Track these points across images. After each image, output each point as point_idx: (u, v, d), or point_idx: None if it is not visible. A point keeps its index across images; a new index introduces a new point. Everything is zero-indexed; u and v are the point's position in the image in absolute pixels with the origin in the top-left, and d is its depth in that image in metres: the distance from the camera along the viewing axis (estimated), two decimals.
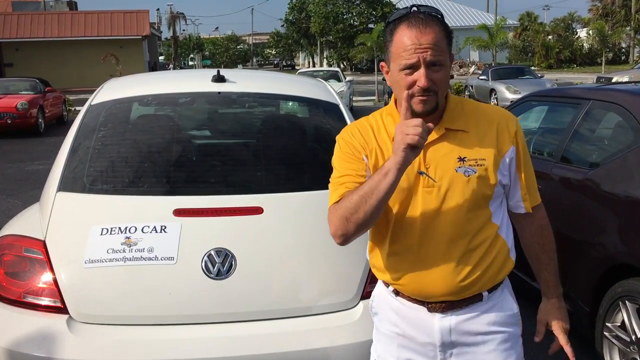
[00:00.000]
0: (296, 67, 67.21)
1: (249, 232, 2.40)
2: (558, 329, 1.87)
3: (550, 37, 47.16)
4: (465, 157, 1.70)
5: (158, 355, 2.19)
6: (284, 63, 72.10)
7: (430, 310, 1.75)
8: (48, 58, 34.79)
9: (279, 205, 2.49)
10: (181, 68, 56.98)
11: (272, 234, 2.42)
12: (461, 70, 41.08)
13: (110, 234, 2.37)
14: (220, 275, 2.30)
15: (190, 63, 75.20)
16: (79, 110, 3.11)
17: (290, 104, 3.29)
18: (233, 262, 2.32)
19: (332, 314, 2.34)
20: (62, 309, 2.28)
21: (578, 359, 3.98)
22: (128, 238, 2.36)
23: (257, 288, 2.32)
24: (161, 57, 64.65)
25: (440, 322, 1.75)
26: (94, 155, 2.74)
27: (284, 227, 2.44)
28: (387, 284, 1.83)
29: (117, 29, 36.34)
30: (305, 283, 2.35)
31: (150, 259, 2.31)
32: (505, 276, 1.81)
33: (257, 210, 2.44)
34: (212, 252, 2.33)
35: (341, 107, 3.13)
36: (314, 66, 55.38)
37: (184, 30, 70.16)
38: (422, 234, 1.71)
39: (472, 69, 32.00)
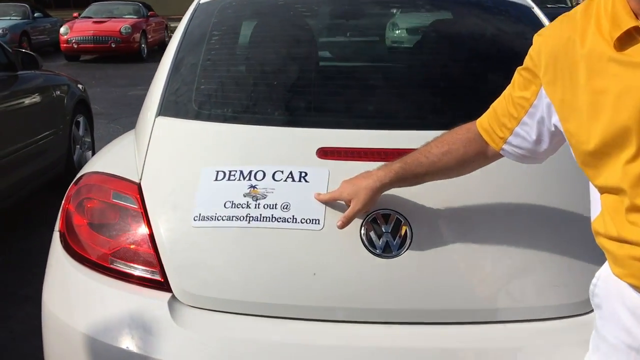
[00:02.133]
0: None
1: (431, 189, 1.60)
2: None
3: None
4: None
5: None
6: None
7: None
8: None
9: None
10: None
11: (462, 192, 1.60)
12: None
13: (229, 179, 1.65)
14: (388, 251, 1.53)
15: None
16: None
17: (461, 7, 2.38)
18: (407, 232, 1.54)
19: (556, 320, 1.53)
20: (162, 284, 1.60)
21: None
22: (254, 187, 1.63)
23: (445, 273, 1.53)
24: None
25: None
26: (204, 70, 2.01)
27: (480, 182, 1.61)
28: None
29: None
30: (516, 270, 1.54)
31: (285, 220, 1.57)
32: None
33: None
34: (377, 216, 1.56)
35: (535, 10, 2.23)
36: None
37: None
38: None
39: None
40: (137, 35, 14.54)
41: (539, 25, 2.07)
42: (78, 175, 1.93)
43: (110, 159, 2.00)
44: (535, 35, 1.25)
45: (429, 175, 1.48)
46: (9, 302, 3.13)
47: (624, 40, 1.05)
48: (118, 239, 1.69)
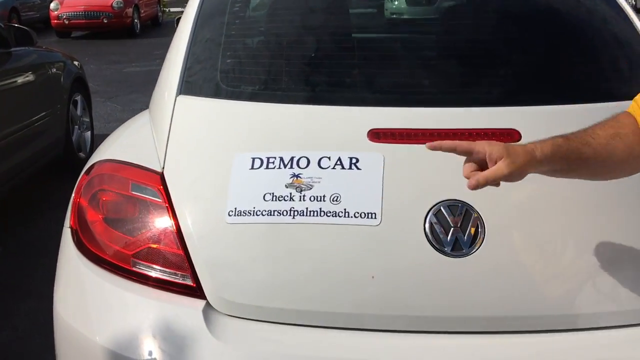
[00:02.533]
0: None
1: None
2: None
3: None
4: None
5: None
6: None
7: None
8: None
9: (546, 128, 1.44)
10: None
11: (541, 180, 1.38)
12: None
13: (268, 167, 1.43)
14: (458, 249, 1.32)
15: None
16: (174, 12, 2.09)
17: None
18: (479, 227, 1.33)
19: None
20: (195, 290, 1.39)
21: None
22: (297, 177, 1.41)
23: (525, 274, 1.32)
24: None
25: None
26: (229, 43, 1.78)
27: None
28: None
29: None
30: (609, 269, 1.33)
31: (335, 214, 1.35)
32: None
33: (511, 136, 1.40)
34: (442, 208, 1.34)
35: None
36: None
37: None
38: None
39: None
40: (130, 10, 14.11)
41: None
42: (89, 164, 1.70)
43: (124, 145, 1.77)
44: None
45: (594, 161, 1.14)
46: (11, 297, 2.92)
47: None
48: (140, 237, 1.47)
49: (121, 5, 13.75)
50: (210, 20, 1.85)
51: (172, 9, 21.45)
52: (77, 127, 4.72)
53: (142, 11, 15.14)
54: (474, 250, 1.31)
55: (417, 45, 1.78)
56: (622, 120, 1.16)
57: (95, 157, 1.73)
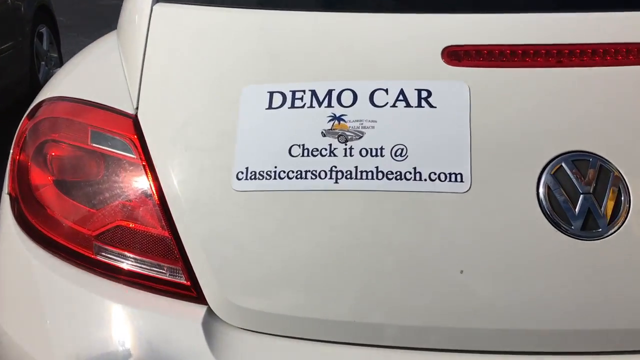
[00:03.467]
0: None
1: None
2: None
3: None
4: None
5: None
6: None
7: None
8: None
9: None
10: None
11: None
12: None
13: (294, 106, 0.95)
14: (593, 227, 0.86)
15: None
16: None
17: None
18: (622, 194, 0.87)
19: None
20: (189, 290, 0.93)
21: None
22: (339, 119, 0.93)
23: None
24: None
25: None
26: None
27: None
28: None
29: None
30: None
31: (401, 176, 0.89)
32: None
33: None
34: (565, 164, 0.88)
35: None
36: None
37: None
38: None
39: None
40: None
41: None
42: (34, 104, 1.21)
43: (83, 78, 1.27)
44: None
45: None
46: None
47: None
48: (106, 210, 1.00)
49: None
50: None
51: None
52: (43, 63, 4.17)
53: None
54: (616, 228, 0.86)
55: None
56: None
57: (43, 94, 1.23)
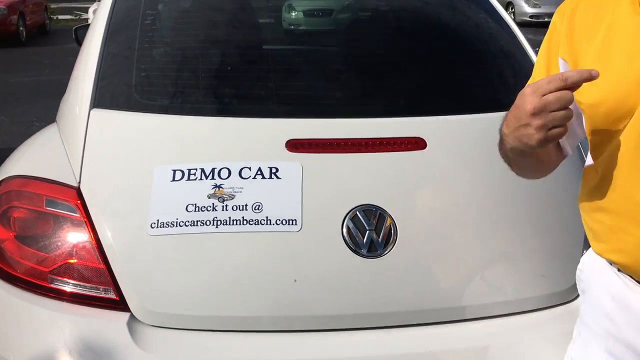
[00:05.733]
0: None
1: (410, 180, 1.50)
2: None
3: None
4: None
5: None
6: None
7: None
8: None
9: (449, 136, 1.58)
10: None
11: (444, 183, 1.52)
12: None
13: (189, 179, 1.46)
14: (374, 250, 1.41)
15: None
16: (63, 20, 2.06)
17: None
18: (392, 230, 1.43)
19: (542, 311, 1.48)
20: (118, 303, 1.39)
21: None
22: (219, 187, 1.45)
23: (435, 272, 1.44)
24: None
25: None
26: (143, 54, 1.78)
27: (462, 172, 1.54)
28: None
29: None
30: (504, 264, 1.48)
31: (257, 222, 1.41)
32: None
33: (418, 144, 1.52)
34: (359, 213, 1.43)
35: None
36: None
37: None
38: None
39: None
40: (14, 17, 13.35)
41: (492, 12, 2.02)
42: None
43: (34, 160, 1.72)
44: None
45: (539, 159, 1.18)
46: None
47: None
48: (57, 253, 1.45)
49: (4, 12, 12.98)
50: (121, 32, 1.85)
51: (60, 17, 20.46)
52: None
53: (28, 18, 14.36)
54: (389, 251, 1.41)
55: (332, 58, 1.88)
56: None
57: (2, 174, 1.67)
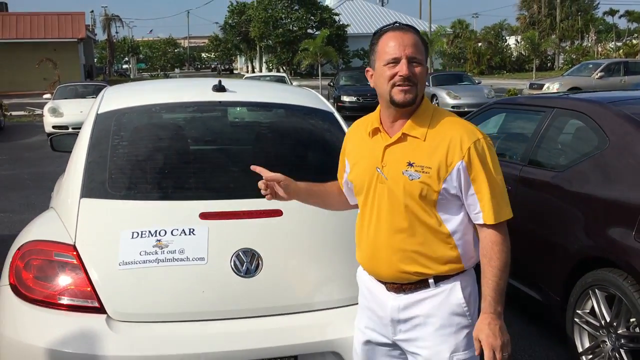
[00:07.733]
0: (234, 72, 66.73)
1: (271, 233, 2.60)
2: (485, 345, 1.90)
3: (480, 44, 48.89)
4: (413, 163, 1.95)
5: (192, 348, 2.35)
6: (223, 67, 71.39)
7: (388, 289, 2.07)
8: None
9: (296, 208, 2.69)
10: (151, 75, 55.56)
11: (291, 234, 2.62)
12: None
13: (142, 237, 2.51)
14: (248, 273, 2.48)
15: (125, 66, 73.51)
16: (17, 116, 3.19)
17: (289, 112, 3.49)
18: (259, 261, 2.50)
19: (341, 308, 2.55)
20: (100, 309, 2.40)
21: (550, 346, 4.29)
22: (159, 241, 2.50)
23: (281, 285, 2.51)
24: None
25: (393, 301, 2.06)
26: (113, 162, 2.85)
27: (301, 228, 2.64)
28: None
29: (51, 32, 35.22)
30: (320, 279, 2.56)
31: (182, 259, 2.46)
32: (452, 273, 2.01)
33: (277, 213, 2.63)
34: (240, 252, 2.51)
35: (336, 114, 3.37)
36: (253, 71, 55.24)
37: (117, 32, 68.44)
38: (376, 222, 2.04)
39: None
40: None
41: (337, 125, 3.23)
42: (19, 244, 2.64)
43: (41, 231, 2.74)
44: None
45: (322, 198, 2.35)
46: None
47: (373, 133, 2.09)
48: (62, 282, 2.45)
49: None
50: (99, 144, 2.92)
51: (13, 113, 21.30)
52: None
53: None
54: (257, 273, 2.48)
55: (223, 161, 3.05)
56: (335, 183, 2.36)
57: (21, 240, 2.68)
